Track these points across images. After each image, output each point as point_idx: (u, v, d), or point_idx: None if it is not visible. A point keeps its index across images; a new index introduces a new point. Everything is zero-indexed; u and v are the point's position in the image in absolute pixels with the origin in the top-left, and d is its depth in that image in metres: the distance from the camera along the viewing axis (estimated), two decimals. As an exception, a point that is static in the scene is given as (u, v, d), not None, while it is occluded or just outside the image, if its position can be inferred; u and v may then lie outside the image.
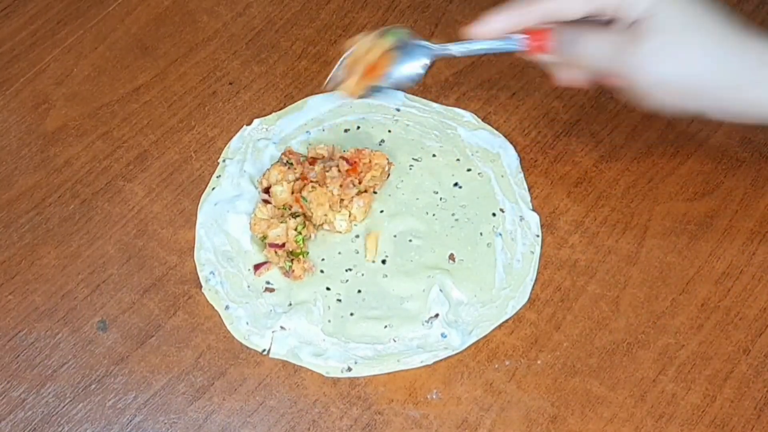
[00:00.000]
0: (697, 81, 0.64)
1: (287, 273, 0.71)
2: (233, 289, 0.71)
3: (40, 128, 0.78)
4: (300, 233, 0.71)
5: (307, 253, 0.71)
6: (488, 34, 0.67)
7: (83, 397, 0.67)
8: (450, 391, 0.67)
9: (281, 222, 0.71)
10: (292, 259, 0.71)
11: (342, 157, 0.73)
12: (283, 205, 0.72)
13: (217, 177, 0.75)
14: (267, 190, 0.73)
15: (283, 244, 0.71)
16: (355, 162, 0.73)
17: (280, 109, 0.79)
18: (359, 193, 0.73)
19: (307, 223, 0.71)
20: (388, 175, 0.75)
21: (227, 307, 0.70)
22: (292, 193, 0.72)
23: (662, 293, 0.71)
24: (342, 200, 0.72)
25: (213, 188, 0.75)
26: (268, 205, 0.72)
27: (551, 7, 0.65)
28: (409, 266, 0.72)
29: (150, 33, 0.83)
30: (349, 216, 0.72)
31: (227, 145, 0.77)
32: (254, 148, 0.77)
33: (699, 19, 0.63)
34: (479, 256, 0.72)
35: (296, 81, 0.80)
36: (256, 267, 0.71)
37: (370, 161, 0.73)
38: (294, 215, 0.72)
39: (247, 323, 0.70)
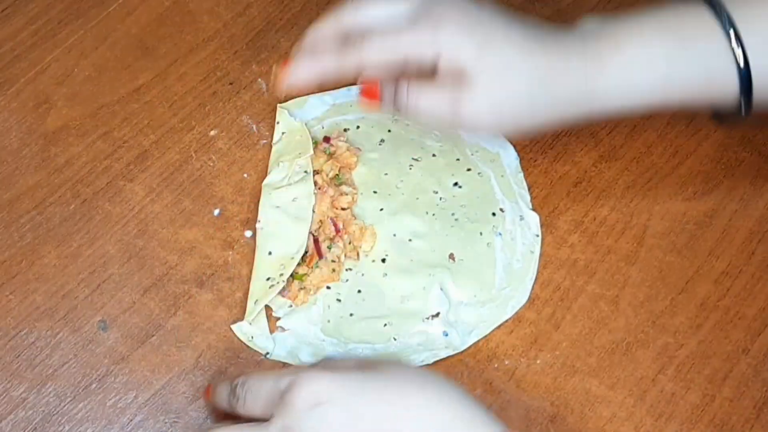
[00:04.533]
0: (529, 111, 0.65)
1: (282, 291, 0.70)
2: None
3: (41, 128, 0.78)
4: (293, 277, 0.71)
5: (306, 275, 0.71)
6: (303, 81, 0.67)
7: (84, 396, 0.67)
8: (449, 391, 0.67)
9: None
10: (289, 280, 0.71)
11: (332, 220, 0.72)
12: None
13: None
14: None
15: None
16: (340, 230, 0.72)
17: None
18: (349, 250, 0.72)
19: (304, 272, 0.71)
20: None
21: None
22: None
23: (661, 293, 0.71)
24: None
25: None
26: None
27: (366, 56, 0.65)
28: (409, 265, 0.72)
29: (151, 33, 0.83)
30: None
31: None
32: None
33: (515, 56, 0.64)
34: (479, 256, 0.72)
35: (296, 81, 0.80)
36: None
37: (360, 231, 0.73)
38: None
39: (249, 323, 0.70)
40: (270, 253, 0.71)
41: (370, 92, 0.67)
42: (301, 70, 0.66)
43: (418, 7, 0.65)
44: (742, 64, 0.64)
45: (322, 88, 0.71)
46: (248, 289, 0.71)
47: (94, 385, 0.68)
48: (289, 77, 0.66)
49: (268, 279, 0.70)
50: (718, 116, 0.70)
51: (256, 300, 0.69)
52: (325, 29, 0.67)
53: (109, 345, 0.69)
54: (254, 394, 0.60)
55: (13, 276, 0.72)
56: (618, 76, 0.64)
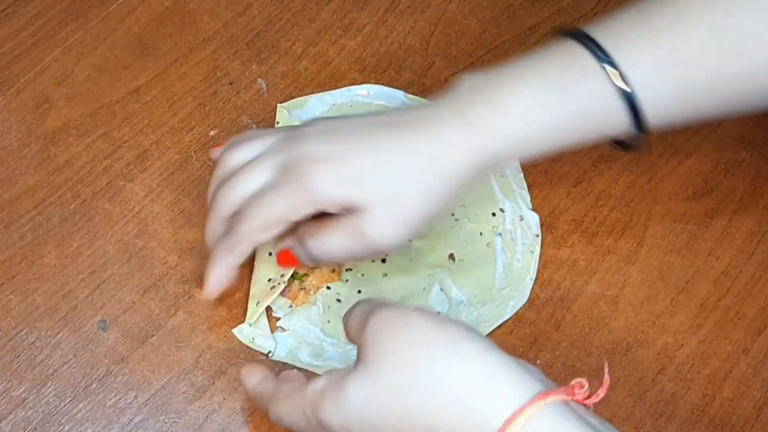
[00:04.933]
0: (430, 201, 0.64)
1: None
2: None
3: (41, 128, 0.78)
4: (293, 277, 0.71)
5: (307, 275, 0.71)
6: (222, 285, 0.67)
7: (84, 396, 0.67)
8: (449, 391, 0.67)
9: None
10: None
11: None
12: None
13: None
14: None
15: None
16: None
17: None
18: None
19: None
20: None
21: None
22: None
23: (661, 293, 0.71)
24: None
25: None
26: None
27: (251, 238, 0.65)
28: (409, 265, 0.72)
29: (150, 33, 0.83)
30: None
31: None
32: None
33: (392, 163, 0.63)
34: (479, 256, 0.72)
35: (296, 81, 0.80)
36: None
37: None
38: None
39: (250, 325, 0.69)
40: (270, 254, 0.70)
41: (287, 259, 0.67)
42: (213, 280, 0.67)
43: (279, 154, 0.64)
44: (628, 101, 0.63)
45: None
46: (248, 289, 0.71)
47: (94, 385, 0.68)
48: (211, 289, 0.67)
49: (269, 280, 0.70)
50: (619, 143, 0.68)
51: (258, 302, 0.69)
52: (214, 223, 0.67)
53: (109, 345, 0.69)
54: (295, 426, 0.59)
55: (13, 276, 0.72)
56: (504, 137, 0.63)
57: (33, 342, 0.69)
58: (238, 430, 0.66)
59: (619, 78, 0.63)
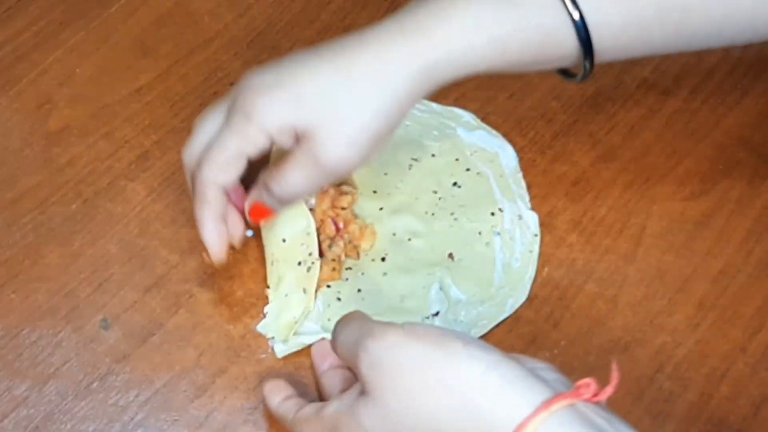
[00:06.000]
0: (382, 116, 0.63)
1: None
2: None
3: (43, 128, 0.78)
4: None
5: None
6: (220, 245, 0.68)
7: (85, 395, 0.67)
8: (449, 389, 0.67)
9: None
10: None
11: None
12: None
13: None
14: None
15: None
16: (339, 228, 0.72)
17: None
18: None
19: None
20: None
21: None
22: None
23: (659, 292, 0.71)
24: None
25: None
26: None
27: (212, 180, 0.65)
28: (408, 264, 0.72)
29: (152, 34, 0.83)
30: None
31: None
32: None
33: (336, 83, 0.63)
34: (478, 255, 0.73)
35: (297, 81, 0.80)
36: None
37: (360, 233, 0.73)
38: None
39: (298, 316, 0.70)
40: (284, 240, 0.71)
41: (258, 211, 0.68)
42: (208, 240, 0.67)
43: (227, 98, 0.65)
44: (578, 21, 0.62)
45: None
46: (249, 288, 0.71)
47: (95, 384, 0.68)
48: (213, 250, 0.67)
49: (300, 264, 0.70)
50: (564, 72, 0.68)
51: (304, 288, 0.69)
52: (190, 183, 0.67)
53: (111, 344, 0.69)
54: None
55: (15, 275, 0.72)
56: (449, 46, 0.62)
57: (35, 341, 0.69)
58: (238, 429, 0.66)
59: (570, 2, 0.62)
